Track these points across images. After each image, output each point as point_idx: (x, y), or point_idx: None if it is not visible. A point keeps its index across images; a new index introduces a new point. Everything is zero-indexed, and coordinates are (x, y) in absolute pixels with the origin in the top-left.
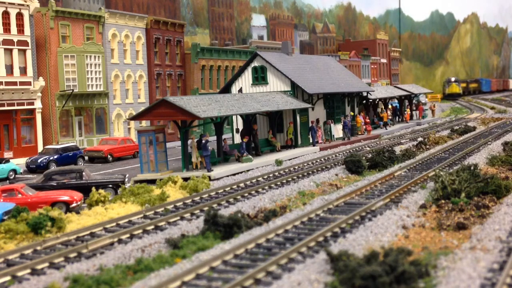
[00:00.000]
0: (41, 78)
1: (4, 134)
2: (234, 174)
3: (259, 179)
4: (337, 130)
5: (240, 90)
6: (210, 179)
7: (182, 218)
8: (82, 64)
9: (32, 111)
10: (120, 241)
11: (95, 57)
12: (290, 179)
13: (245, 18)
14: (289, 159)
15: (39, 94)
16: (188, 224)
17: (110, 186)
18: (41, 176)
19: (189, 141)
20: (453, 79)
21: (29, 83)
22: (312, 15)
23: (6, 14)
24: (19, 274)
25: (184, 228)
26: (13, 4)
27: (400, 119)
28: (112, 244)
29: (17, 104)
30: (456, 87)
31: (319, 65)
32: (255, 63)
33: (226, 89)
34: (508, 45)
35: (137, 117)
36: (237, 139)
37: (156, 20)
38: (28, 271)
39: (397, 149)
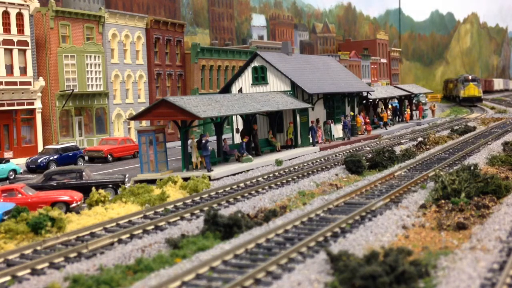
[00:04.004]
0: (41, 78)
1: (4, 134)
2: (234, 174)
3: (259, 179)
4: (337, 130)
5: (240, 90)
6: (210, 179)
7: (182, 218)
8: (82, 64)
9: (32, 111)
10: (120, 241)
11: (95, 57)
12: (290, 179)
13: (245, 18)
14: (289, 159)
15: (39, 94)
16: (188, 224)
17: (110, 186)
18: (41, 176)
19: (189, 141)
20: (470, 77)
21: (29, 83)
22: (312, 15)
23: (6, 14)
24: (19, 274)
25: (184, 228)
26: (13, 4)
27: (400, 119)
28: (112, 244)
29: (17, 104)
30: (474, 88)
31: (319, 65)
32: (255, 63)
33: (226, 89)
34: (508, 45)
35: (137, 117)
36: (237, 139)
37: (156, 20)
38: (28, 271)
39: (397, 149)
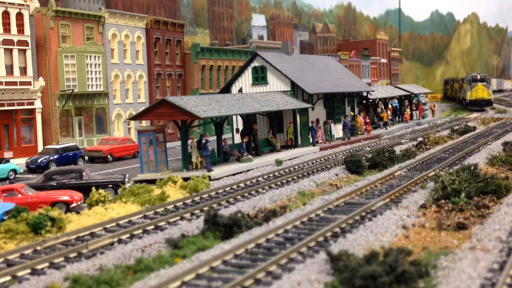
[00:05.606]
0: (41, 78)
1: (4, 134)
2: (234, 174)
3: (259, 179)
4: (337, 130)
5: (240, 90)
6: (210, 179)
7: (182, 218)
8: (82, 64)
9: (32, 111)
10: (120, 241)
11: (95, 57)
12: (290, 179)
13: (245, 18)
14: (289, 159)
15: (39, 94)
16: (188, 224)
17: (110, 186)
18: (41, 176)
19: (189, 141)
20: (478, 76)
21: (29, 83)
22: (312, 15)
23: (6, 14)
24: (19, 274)
25: (184, 228)
26: (13, 4)
27: (400, 119)
28: (112, 244)
29: (17, 104)
30: (484, 89)
31: (319, 65)
32: (255, 63)
33: (226, 89)
34: (508, 45)
35: (137, 117)
36: (237, 139)
37: (156, 20)
38: (28, 271)
39: (397, 149)
